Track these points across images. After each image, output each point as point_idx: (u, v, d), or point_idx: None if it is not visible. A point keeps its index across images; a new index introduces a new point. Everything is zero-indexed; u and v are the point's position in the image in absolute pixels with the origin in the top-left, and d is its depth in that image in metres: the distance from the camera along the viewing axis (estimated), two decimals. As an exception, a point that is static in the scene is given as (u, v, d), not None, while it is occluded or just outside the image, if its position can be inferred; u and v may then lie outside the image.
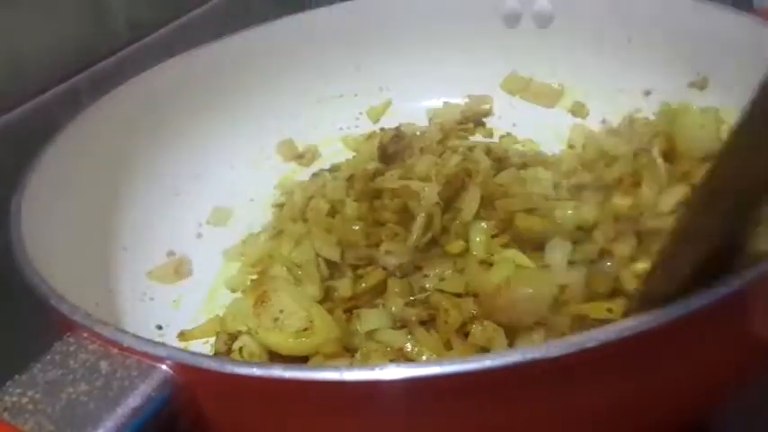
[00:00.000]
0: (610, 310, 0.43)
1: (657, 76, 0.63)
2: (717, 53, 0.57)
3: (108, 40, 0.66)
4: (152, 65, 0.63)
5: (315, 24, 0.70)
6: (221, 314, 0.51)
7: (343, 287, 0.50)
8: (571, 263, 0.46)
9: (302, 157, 0.69)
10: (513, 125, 0.69)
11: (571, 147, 0.63)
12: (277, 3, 0.85)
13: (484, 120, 0.70)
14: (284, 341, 0.44)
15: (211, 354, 0.49)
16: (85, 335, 0.34)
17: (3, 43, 0.56)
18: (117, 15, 0.66)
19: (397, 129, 0.67)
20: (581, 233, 0.49)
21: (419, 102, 0.72)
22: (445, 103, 0.71)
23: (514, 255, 0.48)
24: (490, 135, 0.69)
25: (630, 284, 0.45)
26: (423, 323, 0.46)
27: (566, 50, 0.68)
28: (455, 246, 0.50)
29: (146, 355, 0.33)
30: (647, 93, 0.64)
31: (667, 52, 0.61)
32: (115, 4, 0.66)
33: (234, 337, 0.47)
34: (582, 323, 0.43)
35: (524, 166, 0.58)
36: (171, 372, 0.32)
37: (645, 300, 0.32)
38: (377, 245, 0.51)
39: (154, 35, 0.71)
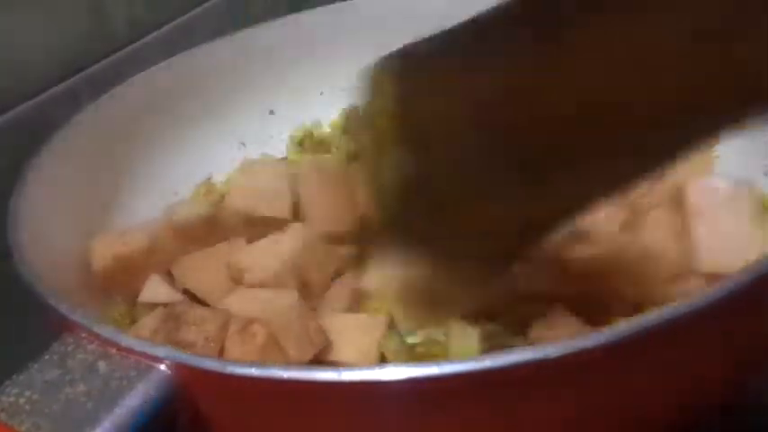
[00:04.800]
0: None
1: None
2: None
3: (107, 39, 0.66)
4: (151, 65, 0.62)
5: (314, 24, 0.70)
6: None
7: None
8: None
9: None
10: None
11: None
12: (277, 3, 0.85)
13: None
14: None
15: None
16: (84, 335, 0.34)
17: (0, 43, 0.56)
18: (116, 15, 0.66)
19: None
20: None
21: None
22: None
23: None
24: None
25: None
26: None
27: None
28: None
29: (144, 355, 0.33)
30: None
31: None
32: (114, 3, 0.66)
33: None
34: None
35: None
36: (169, 372, 0.32)
37: None
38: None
39: (153, 35, 0.71)
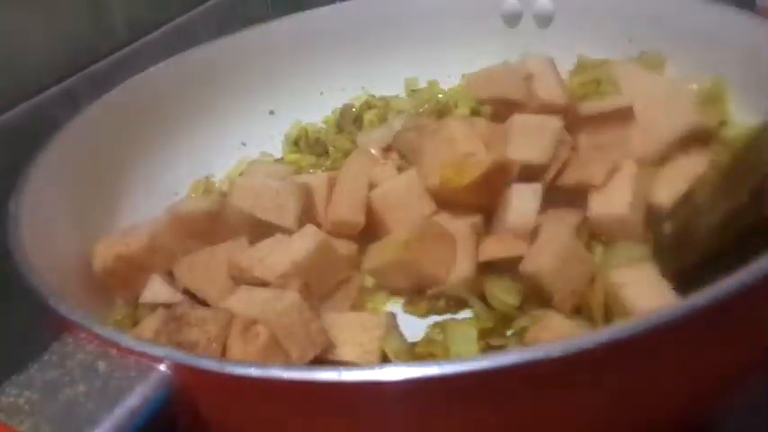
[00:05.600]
0: None
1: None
2: (718, 53, 0.57)
3: (106, 39, 0.66)
4: (151, 65, 0.63)
5: (314, 24, 0.70)
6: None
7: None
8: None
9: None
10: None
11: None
12: (276, 3, 0.85)
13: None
14: None
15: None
16: (83, 335, 0.34)
17: (1, 43, 0.56)
18: (115, 15, 0.66)
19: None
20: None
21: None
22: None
23: None
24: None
25: None
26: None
27: (566, 50, 0.68)
28: None
29: (144, 355, 0.33)
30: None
31: (668, 52, 0.61)
32: (114, 3, 0.66)
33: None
34: None
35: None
36: (169, 372, 0.32)
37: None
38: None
39: (153, 35, 0.71)
